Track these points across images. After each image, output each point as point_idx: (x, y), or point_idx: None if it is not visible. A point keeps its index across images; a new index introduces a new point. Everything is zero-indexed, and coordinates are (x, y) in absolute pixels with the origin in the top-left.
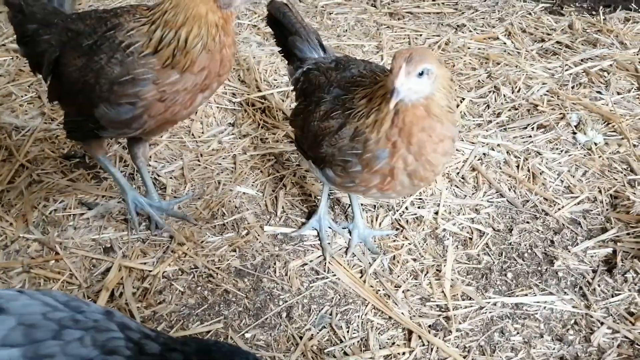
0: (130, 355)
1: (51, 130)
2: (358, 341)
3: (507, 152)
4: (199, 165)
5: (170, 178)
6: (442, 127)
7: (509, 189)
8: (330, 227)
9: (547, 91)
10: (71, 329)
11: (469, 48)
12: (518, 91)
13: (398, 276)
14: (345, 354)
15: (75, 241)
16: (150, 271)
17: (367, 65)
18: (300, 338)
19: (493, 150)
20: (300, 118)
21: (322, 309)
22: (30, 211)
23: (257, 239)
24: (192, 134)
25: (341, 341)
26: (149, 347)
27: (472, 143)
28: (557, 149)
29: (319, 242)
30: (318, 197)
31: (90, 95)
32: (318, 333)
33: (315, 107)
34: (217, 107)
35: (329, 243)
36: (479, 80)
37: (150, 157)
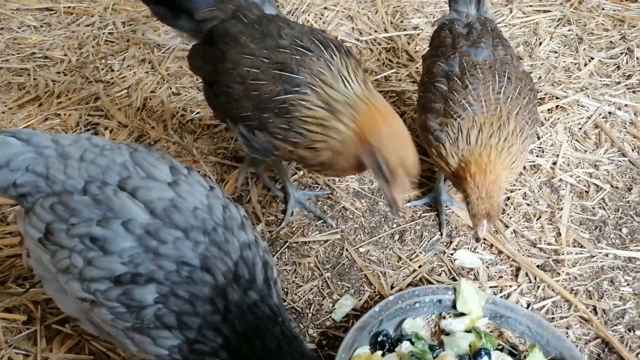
0: (213, 286)
1: (188, 51)
2: (467, 271)
3: (635, 114)
4: None
5: None
6: None
7: (632, 150)
8: None
9: None
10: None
11: (603, 9)
12: None
13: (510, 217)
14: (454, 279)
15: (210, 148)
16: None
17: (496, 51)
18: (410, 260)
19: (620, 110)
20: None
21: (433, 237)
22: (169, 118)
23: None
24: None
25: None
26: (232, 296)
27: (598, 101)
28: None
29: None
30: None
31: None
32: (425, 255)
33: (428, 63)
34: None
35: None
36: (610, 41)
37: None
